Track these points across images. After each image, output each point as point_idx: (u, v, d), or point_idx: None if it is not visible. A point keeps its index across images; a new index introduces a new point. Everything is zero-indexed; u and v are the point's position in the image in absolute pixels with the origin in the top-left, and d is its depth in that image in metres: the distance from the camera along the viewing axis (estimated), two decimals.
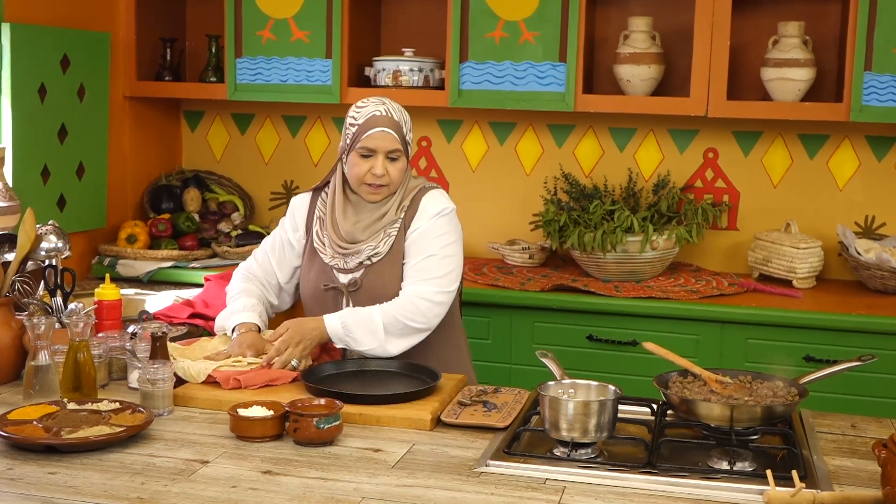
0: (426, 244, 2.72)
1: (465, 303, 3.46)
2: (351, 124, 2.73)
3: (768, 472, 1.92)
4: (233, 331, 2.73)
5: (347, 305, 2.74)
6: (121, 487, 1.92)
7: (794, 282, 3.68)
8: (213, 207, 4.28)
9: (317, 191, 2.88)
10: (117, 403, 2.28)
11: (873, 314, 3.37)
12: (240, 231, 4.09)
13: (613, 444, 2.20)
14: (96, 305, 2.78)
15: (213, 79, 4.15)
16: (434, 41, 4.00)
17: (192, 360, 2.55)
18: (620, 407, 2.21)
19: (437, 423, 2.31)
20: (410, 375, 2.56)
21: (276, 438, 2.18)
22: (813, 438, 2.27)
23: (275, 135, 4.36)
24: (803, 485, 1.87)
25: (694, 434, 2.25)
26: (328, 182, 2.85)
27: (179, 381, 2.45)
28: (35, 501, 1.86)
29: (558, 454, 2.12)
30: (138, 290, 3.60)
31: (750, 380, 2.34)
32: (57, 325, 2.57)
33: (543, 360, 2.42)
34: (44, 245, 2.78)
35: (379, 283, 2.73)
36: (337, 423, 2.16)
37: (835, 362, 2.50)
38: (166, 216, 4.08)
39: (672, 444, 2.21)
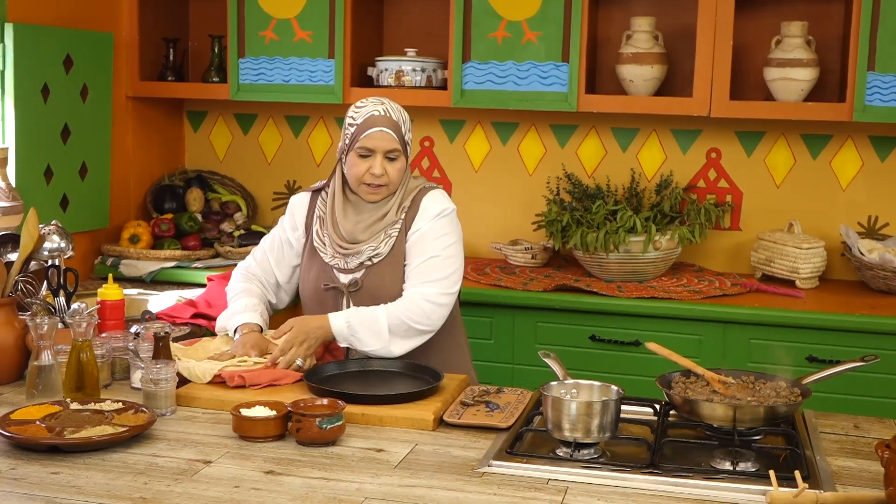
0: (428, 245, 2.72)
1: (467, 303, 3.47)
2: (350, 124, 2.73)
3: (771, 473, 1.91)
4: (235, 331, 2.73)
5: (348, 305, 2.74)
6: (123, 487, 1.92)
7: (797, 282, 3.67)
8: (216, 207, 4.28)
9: (316, 192, 2.88)
10: (120, 403, 2.28)
11: (876, 314, 3.36)
12: (242, 231, 4.09)
13: (616, 444, 2.20)
14: (99, 305, 2.79)
15: (215, 79, 4.15)
16: (437, 41, 4.00)
17: (195, 360, 2.56)
18: (623, 407, 2.21)
19: (440, 423, 2.31)
20: (413, 375, 2.56)
21: (278, 438, 2.18)
22: (816, 439, 2.27)
23: (277, 135, 4.36)
24: (806, 485, 1.87)
25: (697, 434, 2.25)
26: (327, 183, 2.85)
27: (182, 381, 2.45)
28: (38, 501, 1.86)
29: (561, 454, 2.12)
30: (141, 291, 3.60)
31: (753, 380, 2.34)
32: (60, 325, 2.57)
33: (546, 360, 2.42)
34: (47, 245, 2.78)
35: (379, 284, 2.73)
36: (339, 423, 2.16)
37: (838, 362, 2.50)
38: (169, 216, 4.09)
39: (675, 444, 2.21)
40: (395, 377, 2.57)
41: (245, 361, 2.56)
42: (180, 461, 2.06)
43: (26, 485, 1.93)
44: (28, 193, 3.37)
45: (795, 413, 2.32)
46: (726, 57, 3.58)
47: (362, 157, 2.70)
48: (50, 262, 2.77)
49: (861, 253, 3.65)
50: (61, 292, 2.73)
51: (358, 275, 2.75)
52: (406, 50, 3.96)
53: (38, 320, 2.38)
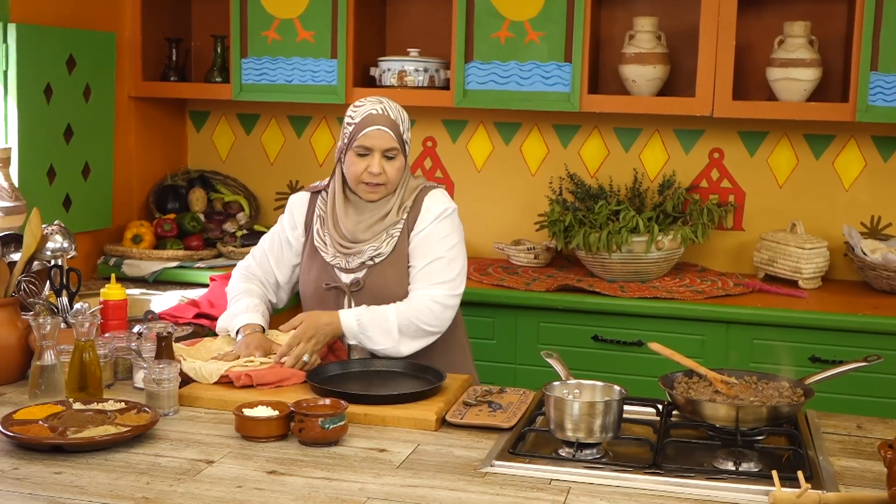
0: (432, 247, 2.72)
1: (470, 303, 3.46)
2: (348, 123, 2.74)
3: (774, 473, 1.91)
4: (237, 332, 2.73)
5: (349, 305, 2.74)
6: (126, 487, 1.93)
7: (800, 282, 3.67)
8: (219, 207, 4.29)
9: (315, 193, 2.88)
10: (123, 403, 2.29)
11: (879, 314, 3.36)
12: (245, 231, 4.09)
13: (618, 444, 2.20)
14: (102, 305, 2.79)
15: (218, 79, 4.15)
16: (439, 41, 4.00)
17: (201, 360, 2.55)
18: (626, 407, 2.21)
19: (443, 423, 2.31)
20: (415, 376, 2.56)
21: (281, 438, 2.18)
22: (819, 439, 2.27)
23: (280, 135, 4.36)
24: (809, 485, 1.86)
25: (699, 434, 2.25)
26: (327, 184, 2.86)
27: (184, 381, 2.45)
28: (41, 501, 1.87)
29: (563, 454, 2.12)
30: (144, 290, 3.60)
31: (755, 380, 2.34)
32: (62, 325, 2.57)
33: (549, 360, 2.42)
34: (49, 245, 2.78)
35: (382, 284, 2.73)
36: (342, 423, 2.16)
37: (840, 363, 2.50)
38: (172, 216, 4.09)
39: (677, 444, 2.21)
40: (398, 377, 2.57)
41: (251, 362, 2.56)
42: (183, 461, 2.06)
43: (29, 484, 1.93)
44: (31, 193, 3.37)
45: (798, 413, 2.32)
46: (729, 57, 3.58)
47: (360, 155, 2.71)
48: (53, 262, 2.78)
49: (864, 253, 3.64)
50: (64, 292, 2.74)
51: (360, 274, 2.75)
52: (409, 50, 3.96)
53: (40, 320, 2.38)
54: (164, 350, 2.44)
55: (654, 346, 2.44)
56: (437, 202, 2.77)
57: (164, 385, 2.31)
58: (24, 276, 2.76)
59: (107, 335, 2.63)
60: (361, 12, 3.92)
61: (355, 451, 2.14)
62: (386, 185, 2.72)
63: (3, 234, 2.80)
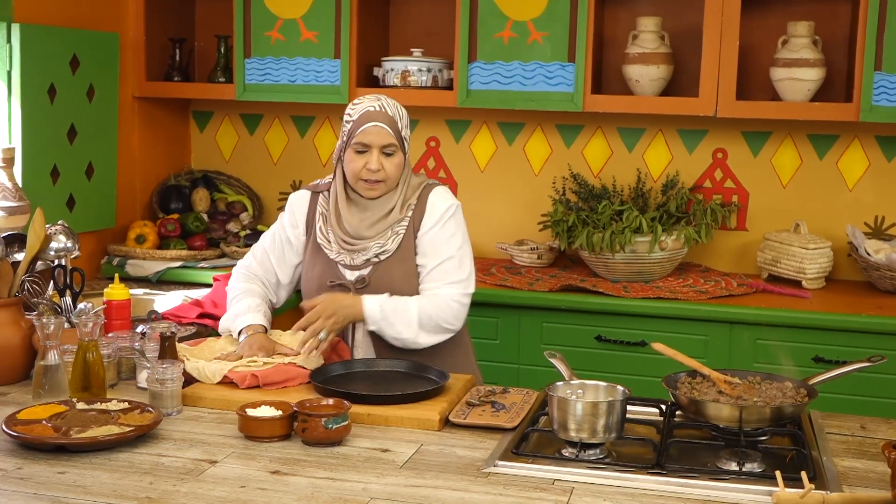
0: (442, 247, 2.74)
1: (473, 303, 3.44)
2: (346, 121, 2.74)
3: (777, 473, 1.91)
4: (239, 333, 2.72)
5: None
6: (129, 487, 1.93)
7: (804, 282, 3.67)
8: (222, 207, 4.29)
9: (315, 192, 2.88)
10: (126, 403, 2.29)
11: (883, 315, 3.36)
12: (248, 231, 4.10)
13: (622, 444, 2.20)
14: (105, 305, 2.79)
15: (221, 79, 4.16)
16: (442, 41, 4.00)
17: (204, 360, 2.56)
18: (629, 407, 2.21)
19: (446, 423, 2.31)
20: (419, 376, 2.56)
21: (284, 438, 2.18)
22: (822, 439, 2.26)
23: (283, 135, 4.36)
24: (812, 486, 1.86)
25: (703, 435, 2.25)
26: (328, 184, 2.86)
27: (187, 381, 2.45)
28: (44, 501, 1.87)
29: (567, 455, 2.12)
30: (147, 290, 3.61)
31: (759, 380, 2.34)
32: (66, 325, 2.57)
33: (552, 360, 2.42)
34: (53, 245, 2.79)
35: (387, 281, 2.73)
36: (345, 423, 2.16)
37: (844, 363, 2.50)
38: (175, 216, 4.09)
39: (681, 444, 2.21)
40: (401, 377, 2.57)
41: (255, 362, 2.56)
42: (186, 461, 2.06)
43: (33, 484, 1.93)
44: (34, 193, 3.37)
45: (802, 413, 2.32)
46: (733, 57, 3.58)
47: (359, 152, 2.71)
48: (56, 262, 2.78)
49: (867, 253, 3.64)
50: (67, 292, 2.74)
51: (365, 271, 2.75)
52: (412, 50, 3.96)
53: (44, 320, 2.38)
54: (167, 350, 2.44)
55: (658, 346, 2.44)
56: (441, 199, 2.78)
57: (168, 385, 2.31)
58: (28, 276, 2.76)
59: (110, 335, 2.63)
60: (365, 12, 3.92)
61: (358, 451, 2.14)
62: (385, 182, 2.73)
63: (6, 233, 2.81)
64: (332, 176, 2.85)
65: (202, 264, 3.87)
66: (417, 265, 2.76)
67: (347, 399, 2.26)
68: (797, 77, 3.59)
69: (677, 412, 2.35)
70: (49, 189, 3.59)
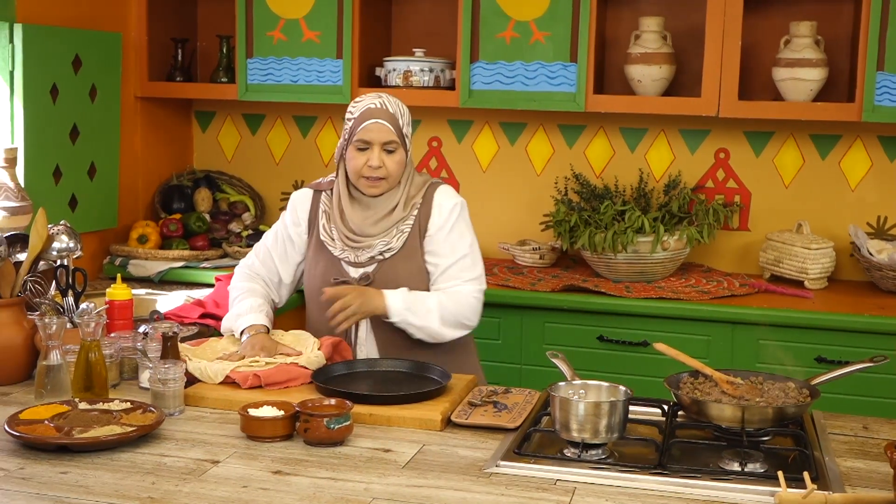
0: (454, 246, 2.76)
1: None
2: (348, 119, 2.75)
3: (780, 474, 1.91)
4: (241, 333, 2.72)
5: None
6: (132, 487, 1.93)
7: (806, 282, 3.66)
8: (224, 207, 4.29)
9: (318, 191, 2.88)
10: (128, 403, 2.29)
11: (885, 315, 3.35)
12: (250, 231, 4.10)
13: (624, 444, 2.20)
14: (108, 305, 2.79)
15: (224, 79, 4.16)
16: (445, 41, 4.00)
17: (206, 360, 2.56)
18: (631, 408, 2.21)
19: (448, 423, 2.31)
20: (421, 376, 2.56)
21: (286, 438, 2.18)
22: (825, 440, 2.26)
23: (285, 135, 4.36)
24: (815, 486, 1.86)
25: (705, 435, 2.25)
26: (330, 183, 2.86)
27: (189, 381, 2.45)
28: (46, 501, 1.87)
29: (569, 455, 2.12)
30: (149, 290, 3.61)
31: (761, 381, 2.34)
32: (68, 325, 2.58)
33: (554, 360, 2.42)
34: (55, 245, 2.79)
35: (392, 278, 2.74)
36: (347, 423, 2.16)
37: (847, 363, 2.49)
38: (177, 216, 4.09)
39: (683, 445, 2.21)
40: (403, 377, 2.57)
41: (257, 362, 2.56)
42: (188, 461, 2.06)
43: (35, 484, 1.93)
44: (37, 193, 3.38)
45: (804, 414, 2.32)
46: (735, 57, 3.58)
47: (360, 150, 2.72)
48: (58, 262, 2.78)
49: (870, 253, 3.64)
50: (70, 292, 2.74)
51: (369, 269, 2.76)
52: (414, 50, 3.96)
53: (46, 320, 2.38)
54: (169, 350, 2.44)
55: (660, 346, 2.44)
56: (447, 197, 2.79)
57: (170, 385, 2.31)
58: (30, 276, 2.76)
59: (112, 335, 2.63)
60: (367, 12, 3.92)
61: (360, 451, 2.14)
62: (387, 179, 2.73)
63: (9, 234, 2.81)
64: (334, 175, 2.86)
65: (204, 264, 3.87)
66: (427, 264, 2.76)
67: (349, 399, 2.26)
68: (799, 77, 3.59)
69: (679, 412, 2.35)
70: (51, 189, 3.59)
